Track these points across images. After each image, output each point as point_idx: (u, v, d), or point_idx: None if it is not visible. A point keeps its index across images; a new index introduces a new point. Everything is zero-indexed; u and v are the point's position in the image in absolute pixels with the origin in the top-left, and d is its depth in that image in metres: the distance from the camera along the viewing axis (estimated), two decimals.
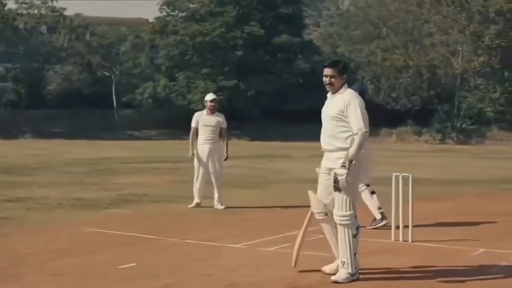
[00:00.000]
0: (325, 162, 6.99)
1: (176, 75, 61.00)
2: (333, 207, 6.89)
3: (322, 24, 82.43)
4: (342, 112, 6.81)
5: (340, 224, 6.83)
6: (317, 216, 7.09)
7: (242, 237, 9.15)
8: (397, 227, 8.98)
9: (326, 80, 6.91)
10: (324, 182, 7.01)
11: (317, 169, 7.14)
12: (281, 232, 9.47)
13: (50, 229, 9.88)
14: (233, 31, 58.00)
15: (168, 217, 11.31)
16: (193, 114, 13.11)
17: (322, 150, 7.05)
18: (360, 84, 11.83)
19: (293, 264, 7.16)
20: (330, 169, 6.85)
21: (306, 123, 40.60)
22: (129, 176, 19.02)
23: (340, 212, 6.80)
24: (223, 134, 12.93)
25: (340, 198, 6.79)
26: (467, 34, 53.11)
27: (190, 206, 12.53)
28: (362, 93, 11.43)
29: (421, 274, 7.14)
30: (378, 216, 10.19)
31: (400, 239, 8.95)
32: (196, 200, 12.66)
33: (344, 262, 6.80)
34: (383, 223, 10.07)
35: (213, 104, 12.82)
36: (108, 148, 37.94)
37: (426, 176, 18.37)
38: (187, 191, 14.78)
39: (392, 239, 9.00)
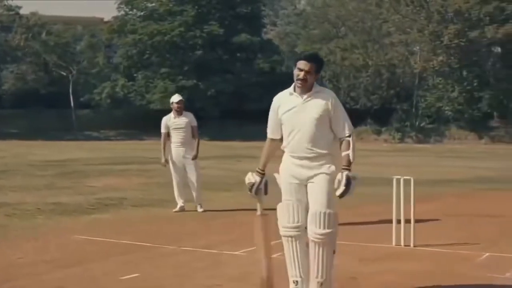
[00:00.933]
0: (301, 172, 5.96)
1: (135, 75, 60.48)
2: (303, 219, 5.95)
3: (279, 23, 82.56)
4: (327, 113, 5.89)
5: (317, 242, 5.86)
6: (290, 233, 6.01)
7: (238, 243, 8.88)
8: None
9: (300, 74, 5.85)
10: (295, 193, 6.02)
11: (275, 175, 6.16)
12: (274, 237, 9.22)
13: (37, 237, 9.50)
14: (192, 30, 57.60)
15: (156, 222, 11.00)
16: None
17: (295, 157, 5.97)
18: None
19: (265, 275, 6.17)
20: (311, 178, 5.91)
21: (266, 123, 40.85)
22: (100, 179, 18.61)
23: (320, 230, 5.80)
24: (194, 133, 12.70)
25: (321, 213, 5.81)
26: (426, 34, 53.41)
27: (174, 210, 12.27)
28: None
29: (434, 283, 6.97)
30: None
31: (402, 243, 8.80)
32: (179, 204, 12.39)
33: (322, 283, 5.92)
34: None
35: (179, 105, 12.62)
36: (69, 149, 37.34)
37: (392, 176, 18.20)
38: (165, 194, 14.56)
39: (394, 243, 8.82)
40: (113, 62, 64.05)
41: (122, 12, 62.10)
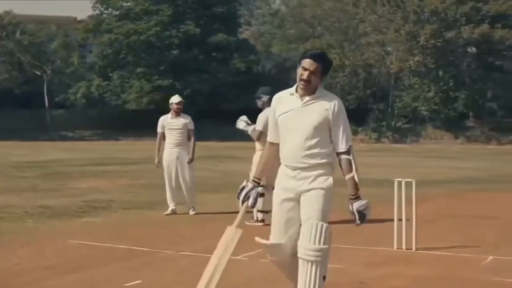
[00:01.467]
0: (294, 184, 5.37)
1: (110, 75, 60.06)
2: (294, 241, 5.36)
3: (253, 23, 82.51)
4: (327, 120, 5.28)
5: (308, 260, 5.24)
6: (272, 259, 5.62)
7: (237, 248, 8.71)
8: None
9: (303, 74, 5.26)
10: (285, 212, 5.42)
11: (250, 182, 5.59)
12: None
13: (30, 242, 9.26)
14: (168, 30, 57.33)
15: (149, 226, 10.80)
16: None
17: (289, 167, 5.38)
18: (267, 89, 11.47)
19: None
20: (304, 192, 5.32)
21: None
22: (83, 180, 18.38)
23: (313, 245, 5.21)
24: (191, 135, 12.51)
25: (315, 225, 5.23)
26: (403, 34, 53.62)
27: (166, 213, 12.07)
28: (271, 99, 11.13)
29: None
30: (256, 217, 11.00)
31: (403, 247, 8.70)
32: (171, 207, 12.19)
33: None
34: (257, 224, 10.84)
35: (179, 106, 12.41)
36: (47, 149, 37.01)
37: (383, 177, 18.18)
38: (152, 196, 14.42)
39: (395, 247, 8.72)
40: (88, 62, 63.52)
41: (98, 12, 61.63)
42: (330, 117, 5.27)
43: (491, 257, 8.24)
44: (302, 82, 5.29)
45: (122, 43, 57.98)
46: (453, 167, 24.69)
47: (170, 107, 12.48)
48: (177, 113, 12.36)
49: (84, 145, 44.97)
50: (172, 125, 12.27)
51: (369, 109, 57.78)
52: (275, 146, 5.54)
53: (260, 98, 11.19)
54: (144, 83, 56.47)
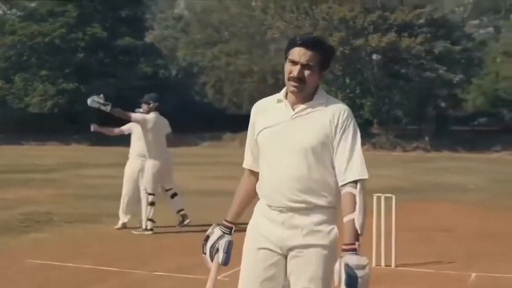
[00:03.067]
0: (280, 234, 3.77)
1: (13, 77, 58.13)
2: None
3: (156, 27, 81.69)
4: (330, 138, 3.74)
5: None
6: None
7: None
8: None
9: (293, 71, 3.74)
10: (263, 269, 3.83)
11: (213, 229, 4.07)
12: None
13: None
14: (74, 32, 55.95)
15: (105, 242, 10.29)
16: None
17: (272, 208, 3.80)
18: (155, 96, 11.46)
19: None
20: (296, 248, 3.75)
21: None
22: (7, 190, 17.48)
23: None
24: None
25: None
26: None
27: (116, 227, 11.55)
28: (159, 107, 11.21)
29: None
30: (180, 218, 11.34)
31: (382, 263, 8.54)
32: (122, 220, 11.67)
33: None
34: (185, 222, 11.23)
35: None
36: None
37: (379, 194, 18.02)
38: (91, 208, 13.99)
39: (374, 263, 8.53)
40: None
41: (1, 12, 59.64)
42: (334, 132, 3.73)
43: (473, 274, 8.18)
44: (292, 82, 3.74)
45: (26, 44, 56.24)
46: (377, 175, 24.83)
47: None
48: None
49: None
50: (141, 133, 11.60)
51: None
52: (257, 176, 3.97)
53: (147, 103, 11.19)
54: (48, 86, 54.91)
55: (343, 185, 3.69)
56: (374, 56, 55.32)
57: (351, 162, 3.71)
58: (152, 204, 11.02)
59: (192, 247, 10.01)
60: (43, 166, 26.38)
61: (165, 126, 11.55)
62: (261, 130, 3.85)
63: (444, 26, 52.14)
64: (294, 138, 3.75)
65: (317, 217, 3.72)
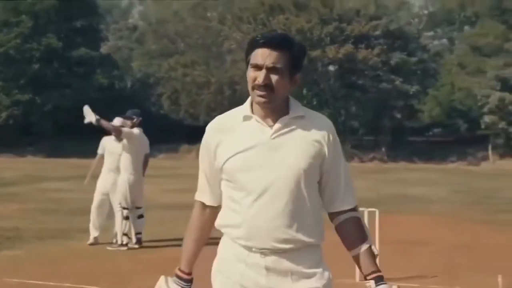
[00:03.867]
0: (259, 280, 3.08)
1: None
2: None
3: (110, 37, 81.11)
4: (319, 161, 3.14)
5: None
6: None
7: (199, 285, 8.21)
8: None
9: (258, 77, 3.07)
10: None
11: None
12: None
13: None
14: (29, 42, 55.23)
15: (81, 259, 10.09)
16: None
17: (253, 249, 3.08)
18: (138, 111, 11.43)
19: None
20: None
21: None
22: None
23: None
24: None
25: None
26: None
27: (88, 242, 11.34)
28: (141, 123, 11.17)
29: None
30: (134, 240, 11.04)
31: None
32: (93, 235, 11.46)
33: None
34: (122, 248, 10.82)
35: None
36: None
37: (362, 209, 17.99)
38: (60, 223, 13.79)
39: (357, 279, 8.47)
40: None
41: None
42: (327, 153, 3.14)
43: None
44: (258, 91, 3.07)
45: None
46: None
47: None
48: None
49: None
50: (113, 148, 11.49)
51: None
52: (212, 211, 3.31)
53: (130, 118, 11.10)
54: (3, 97, 54.08)
55: (340, 212, 3.21)
56: (331, 67, 55.60)
57: (348, 187, 3.23)
58: (127, 218, 10.89)
59: (172, 262, 9.89)
60: (2, 180, 25.90)
61: (147, 145, 11.49)
62: (230, 157, 3.09)
63: (400, 38, 52.76)
64: (280, 162, 3.05)
65: (308, 258, 3.09)
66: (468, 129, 54.20)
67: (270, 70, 3.04)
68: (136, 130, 11.08)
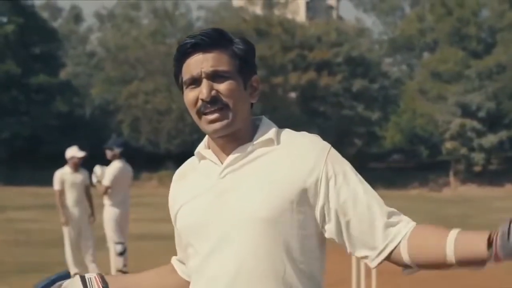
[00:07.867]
0: None
1: None
2: None
3: (68, 63, 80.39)
4: (306, 200, 2.17)
5: None
6: None
7: None
8: None
9: (200, 92, 2.23)
10: None
11: None
12: None
13: None
14: None
15: None
16: None
17: None
18: (121, 140, 11.26)
19: None
20: None
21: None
22: None
23: None
24: (88, 191, 11.49)
25: None
26: None
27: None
28: (122, 154, 10.91)
29: None
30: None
31: None
32: (74, 271, 10.99)
33: None
34: None
35: (80, 160, 11.36)
36: None
37: None
38: (37, 256, 13.42)
39: None
40: None
41: None
42: (319, 187, 2.18)
43: None
44: (208, 115, 2.27)
45: None
46: None
47: (69, 160, 11.32)
48: (76, 168, 11.27)
49: None
50: (72, 181, 11.11)
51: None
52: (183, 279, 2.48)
53: (111, 149, 10.82)
54: None
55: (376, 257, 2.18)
56: (292, 94, 55.62)
57: (388, 213, 2.22)
58: (121, 254, 10.44)
59: None
60: None
61: (130, 176, 11.14)
62: (179, 210, 2.33)
63: (362, 64, 53.05)
64: (229, 211, 2.18)
65: None
66: (429, 155, 54.45)
67: (212, 77, 2.21)
68: (116, 165, 10.66)
